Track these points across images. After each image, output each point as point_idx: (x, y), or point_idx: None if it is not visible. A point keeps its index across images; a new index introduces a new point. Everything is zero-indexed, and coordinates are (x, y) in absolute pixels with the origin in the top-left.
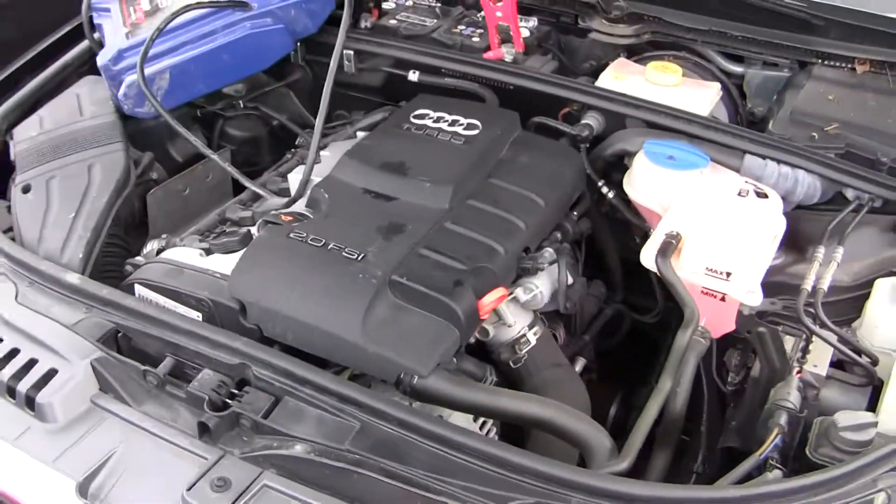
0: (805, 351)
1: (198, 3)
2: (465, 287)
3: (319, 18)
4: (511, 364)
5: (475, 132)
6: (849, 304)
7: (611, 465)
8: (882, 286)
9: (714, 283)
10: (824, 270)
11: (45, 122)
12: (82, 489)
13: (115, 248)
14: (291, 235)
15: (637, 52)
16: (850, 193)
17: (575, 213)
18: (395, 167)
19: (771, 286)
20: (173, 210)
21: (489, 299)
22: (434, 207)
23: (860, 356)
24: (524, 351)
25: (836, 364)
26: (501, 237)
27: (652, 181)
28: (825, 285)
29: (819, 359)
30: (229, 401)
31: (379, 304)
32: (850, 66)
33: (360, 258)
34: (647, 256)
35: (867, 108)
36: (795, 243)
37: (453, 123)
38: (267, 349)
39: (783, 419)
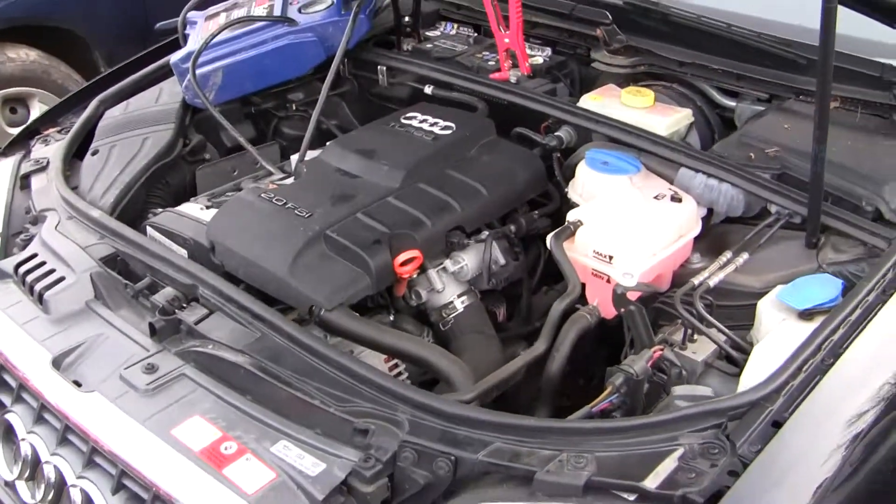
0: (688, 339)
1: (252, 17)
2: (382, 246)
3: (354, 37)
4: (441, 326)
5: (447, 132)
6: None
7: (456, 395)
8: (778, 289)
9: (599, 265)
10: (720, 271)
11: (129, 105)
12: (56, 362)
13: (158, 206)
14: (262, 195)
15: (638, 82)
16: (773, 209)
17: (536, 212)
18: (367, 153)
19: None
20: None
21: (402, 258)
22: (386, 186)
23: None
24: (451, 316)
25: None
26: (433, 214)
27: (586, 183)
28: (712, 282)
29: (702, 348)
30: (178, 311)
31: (309, 251)
32: None
33: (307, 216)
34: (549, 239)
35: None
36: (720, 250)
37: (433, 125)
38: (211, 274)
39: (619, 380)
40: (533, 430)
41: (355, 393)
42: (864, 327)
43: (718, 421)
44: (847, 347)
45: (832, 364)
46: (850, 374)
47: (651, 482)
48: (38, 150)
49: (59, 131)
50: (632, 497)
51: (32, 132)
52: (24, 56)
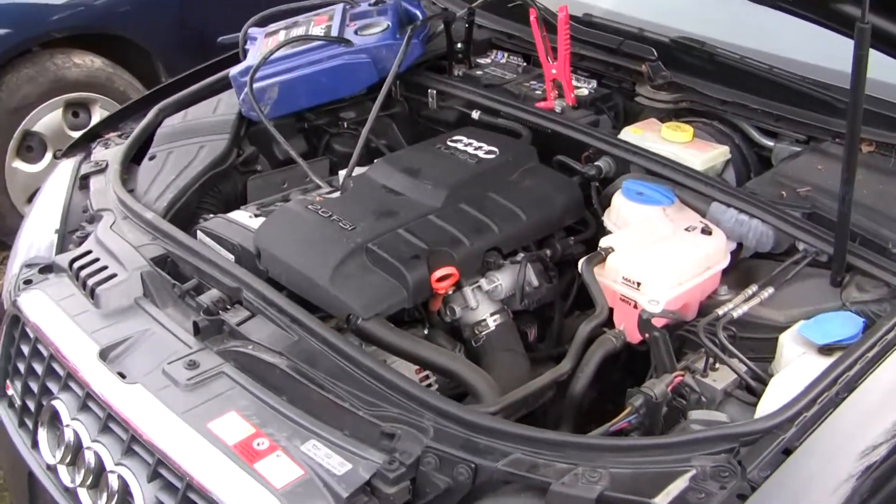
0: (710, 367)
1: (310, 36)
2: (420, 261)
3: (406, 60)
4: (473, 343)
5: (490, 157)
6: None
7: (482, 406)
8: (800, 323)
9: (627, 291)
10: (744, 303)
11: (188, 115)
12: (103, 354)
13: (209, 212)
14: (309, 207)
15: (679, 118)
16: (801, 246)
17: (572, 238)
18: (412, 171)
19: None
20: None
21: (438, 274)
22: (428, 204)
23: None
24: (483, 333)
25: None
26: (472, 233)
27: (621, 213)
28: (736, 314)
29: (722, 377)
30: (222, 312)
31: (351, 262)
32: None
33: (350, 229)
34: (580, 263)
35: None
36: (747, 284)
37: (478, 148)
38: (255, 278)
39: (639, 402)
40: (551, 443)
41: (384, 398)
42: (882, 363)
43: (731, 445)
44: (862, 382)
45: (845, 398)
46: (865, 407)
47: (661, 500)
48: (98, 153)
49: (119, 136)
50: None
51: (93, 136)
52: (89, 63)
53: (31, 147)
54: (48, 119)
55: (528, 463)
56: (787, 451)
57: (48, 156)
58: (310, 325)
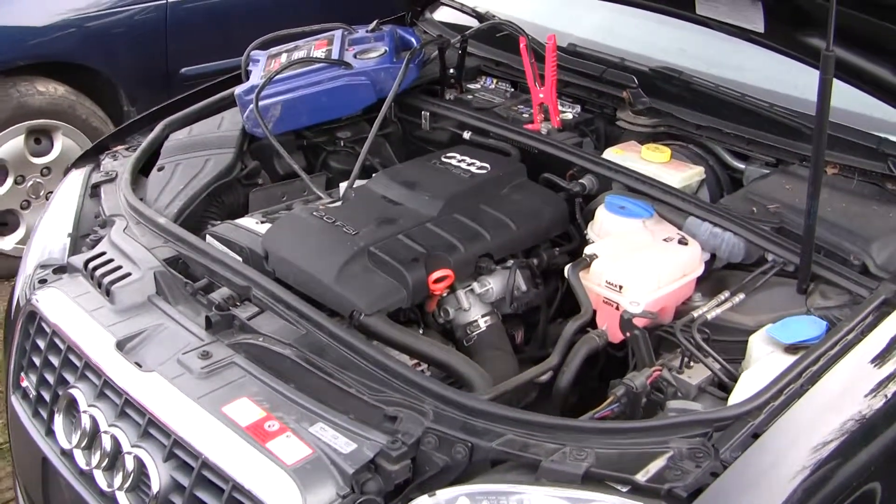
0: (685, 365)
1: (313, 58)
2: (419, 263)
3: (403, 83)
4: (464, 342)
5: (483, 172)
6: None
7: (476, 394)
8: (769, 326)
9: (610, 294)
10: (717, 307)
11: (193, 130)
12: (119, 345)
13: (214, 220)
14: (314, 213)
15: (658, 141)
16: (769, 257)
17: (557, 249)
18: (410, 184)
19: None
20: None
21: (435, 276)
22: (425, 213)
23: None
24: (474, 333)
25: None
26: (466, 240)
27: (604, 225)
28: (709, 316)
29: (697, 374)
30: (232, 308)
31: (354, 263)
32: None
33: (353, 233)
34: (567, 269)
35: None
36: (720, 292)
37: (470, 164)
38: (264, 278)
39: (620, 391)
40: (542, 425)
41: (387, 385)
42: (841, 360)
43: (705, 430)
44: (824, 376)
45: (808, 390)
46: (825, 399)
47: (642, 476)
48: (107, 164)
49: (126, 149)
50: (624, 488)
51: (102, 148)
52: (52, 90)
53: None
54: (10, 145)
55: (520, 443)
56: (756, 435)
57: (9, 181)
58: (317, 319)
